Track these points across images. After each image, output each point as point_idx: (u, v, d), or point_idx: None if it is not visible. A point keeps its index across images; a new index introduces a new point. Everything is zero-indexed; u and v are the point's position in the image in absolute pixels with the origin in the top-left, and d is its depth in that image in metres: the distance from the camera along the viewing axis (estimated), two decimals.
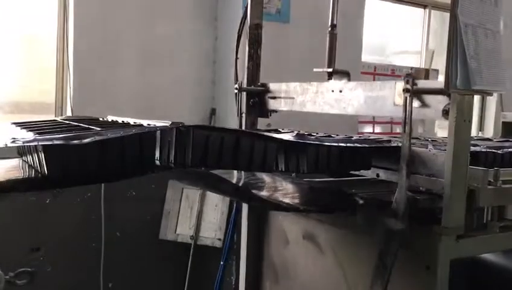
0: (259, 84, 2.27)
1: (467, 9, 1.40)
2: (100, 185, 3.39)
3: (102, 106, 3.29)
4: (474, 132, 5.56)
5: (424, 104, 1.48)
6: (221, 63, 3.94)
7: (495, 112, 5.32)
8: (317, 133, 1.92)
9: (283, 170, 1.46)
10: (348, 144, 1.52)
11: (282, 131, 2.10)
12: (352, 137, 1.80)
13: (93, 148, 1.12)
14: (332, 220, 1.83)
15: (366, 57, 4.93)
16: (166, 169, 1.29)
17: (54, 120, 1.57)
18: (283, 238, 2.20)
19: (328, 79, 1.98)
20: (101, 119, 1.72)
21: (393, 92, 1.59)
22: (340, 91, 1.85)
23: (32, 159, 1.28)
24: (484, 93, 1.49)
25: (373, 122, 4.91)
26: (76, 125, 1.37)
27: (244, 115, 2.24)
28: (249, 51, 2.29)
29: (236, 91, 2.25)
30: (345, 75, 1.90)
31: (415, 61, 5.55)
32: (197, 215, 3.64)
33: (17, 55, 3.54)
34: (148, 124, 1.32)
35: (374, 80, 4.81)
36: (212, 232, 3.63)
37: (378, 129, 5.05)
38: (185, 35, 3.82)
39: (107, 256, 3.44)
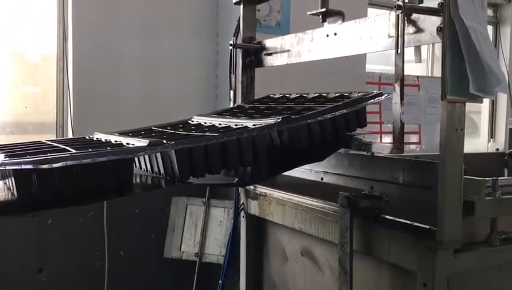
0: (255, 42, 2.23)
1: (465, 11, 1.35)
2: (102, 204, 3.36)
3: (103, 123, 3.28)
4: (484, 142, 5.46)
5: (418, 29, 1.43)
6: (223, 77, 3.92)
7: (506, 119, 5.22)
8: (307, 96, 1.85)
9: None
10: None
11: (276, 96, 2.04)
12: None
13: (65, 172, 1.09)
14: (327, 236, 1.77)
15: (373, 66, 4.87)
16: (146, 190, 1.26)
17: (38, 142, 1.54)
18: (282, 255, 2.15)
19: (322, 22, 1.92)
20: (87, 137, 1.69)
21: (388, 24, 1.54)
22: (335, 34, 1.81)
23: (8, 182, 1.25)
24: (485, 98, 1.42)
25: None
26: (55, 147, 1.34)
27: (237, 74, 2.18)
28: (242, 63, 2.27)
29: (230, 48, 2.21)
30: (339, 16, 1.84)
31: (421, 70, 5.47)
32: (202, 232, 3.60)
33: (19, 75, 3.56)
34: (127, 143, 1.29)
35: (379, 90, 4.74)
36: (217, 249, 3.57)
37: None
38: (187, 51, 3.81)
39: (111, 276, 3.40)
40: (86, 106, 3.44)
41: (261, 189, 2.16)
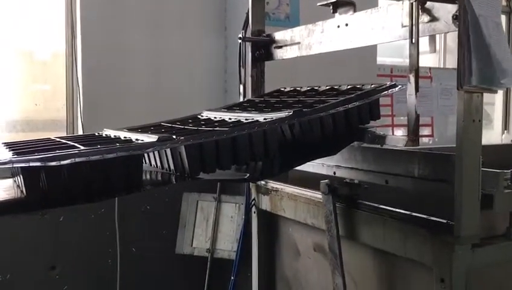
0: (264, 34, 2.19)
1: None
2: (113, 201, 3.35)
3: (113, 120, 3.26)
4: (498, 133, 5.37)
5: (433, 18, 1.39)
6: (232, 71, 3.89)
7: None
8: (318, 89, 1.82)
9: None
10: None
11: (285, 91, 2.01)
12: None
13: (73, 169, 1.07)
14: (341, 232, 1.74)
15: (384, 59, 4.80)
16: (156, 186, 1.23)
17: (47, 139, 1.52)
18: (294, 250, 2.12)
19: (333, 12, 1.88)
20: (96, 134, 1.67)
21: (401, 14, 1.50)
22: (346, 25, 1.77)
23: (18, 180, 1.23)
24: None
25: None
26: (64, 144, 1.32)
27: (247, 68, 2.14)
28: (252, 55, 2.24)
29: (239, 41, 2.18)
30: (351, 6, 1.80)
31: (433, 61, 5.40)
32: (213, 227, 3.58)
33: (29, 72, 3.56)
34: (137, 139, 1.27)
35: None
36: (229, 245, 3.55)
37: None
38: (196, 46, 3.79)
39: (123, 272, 3.40)
40: (95, 102, 3.43)
41: (273, 184, 2.13)
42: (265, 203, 2.18)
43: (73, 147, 1.19)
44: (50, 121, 3.63)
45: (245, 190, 2.52)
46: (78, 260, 3.31)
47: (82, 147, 1.17)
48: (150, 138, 1.23)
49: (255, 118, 1.45)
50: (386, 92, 1.51)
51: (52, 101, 3.61)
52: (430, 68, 4.69)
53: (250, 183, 2.28)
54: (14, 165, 1.02)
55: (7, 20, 3.36)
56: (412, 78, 1.34)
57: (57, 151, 1.09)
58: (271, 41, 2.19)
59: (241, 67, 2.15)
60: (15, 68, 3.48)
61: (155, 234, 3.56)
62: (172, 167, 1.33)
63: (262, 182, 2.20)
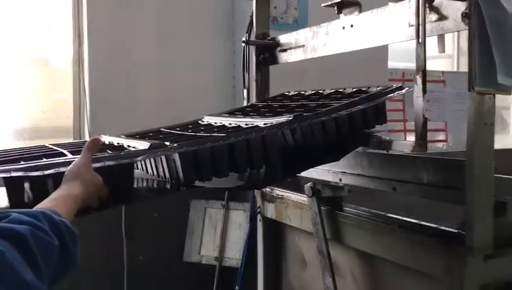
0: (269, 38, 2.13)
1: None
2: (121, 208, 3.31)
3: (120, 126, 3.22)
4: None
5: (441, 17, 1.32)
6: (240, 77, 3.83)
7: None
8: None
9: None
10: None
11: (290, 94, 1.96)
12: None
13: (59, 179, 1.02)
14: (348, 241, 1.67)
15: (396, 63, 4.71)
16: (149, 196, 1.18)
17: (41, 146, 1.48)
18: (301, 260, 2.05)
19: (338, 13, 1.81)
20: None
21: (408, 13, 1.43)
22: (352, 26, 1.70)
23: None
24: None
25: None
26: (54, 151, 1.27)
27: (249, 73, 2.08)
28: (256, 59, 2.19)
29: (243, 44, 2.13)
30: (356, 6, 1.73)
31: (446, 65, 5.29)
32: (221, 235, 3.52)
33: (39, 79, 3.54)
34: (129, 146, 1.21)
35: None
36: (237, 253, 3.48)
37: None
38: (203, 52, 3.74)
39: (130, 280, 3.35)
40: (102, 109, 3.40)
41: (278, 191, 2.07)
42: (270, 211, 2.12)
43: (62, 154, 1.14)
44: (59, 129, 3.60)
45: (250, 197, 2.46)
46: (85, 267, 3.26)
47: (70, 155, 1.12)
48: (142, 145, 1.18)
49: (255, 123, 1.39)
50: (392, 94, 1.44)
51: (62, 109, 3.58)
52: (442, 72, 4.58)
53: (255, 190, 2.22)
54: None
55: (23, 28, 3.35)
56: (419, 80, 1.27)
57: (43, 160, 1.04)
58: (275, 44, 2.13)
59: (245, 71, 2.10)
60: (25, 75, 3.46)
61: (163, 241, 3.51)
62: (167, 175, 1.27)
63: (268, 189, 2.13)
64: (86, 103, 3.41)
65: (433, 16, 1.37)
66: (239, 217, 3.50)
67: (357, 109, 1.36)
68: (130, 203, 1.17)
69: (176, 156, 1.19)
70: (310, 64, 3.86)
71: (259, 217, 2.20)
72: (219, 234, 3.52)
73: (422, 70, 1.27)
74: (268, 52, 2.15)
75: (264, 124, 1.34)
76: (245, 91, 2.08)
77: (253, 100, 2.14)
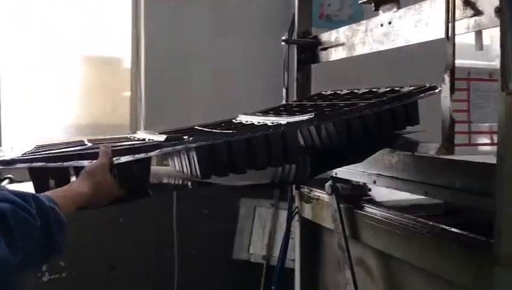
0: (310, 36, 2.11)
1: None
2: (172, 204, 3.41)
3: (173, 124, 3.31)
4: None
5: (477, 12, 1.26)
6: (293, 74, 3.81)
7: None
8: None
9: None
10: None
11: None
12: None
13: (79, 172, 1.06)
14: (379, 245, 1.62)
15: (466, 61, 4.48)
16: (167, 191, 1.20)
17: (79, 141, 1.56)
18: (336, 262, 2.01)
19: (375, 10, 1.78)
20: (128, 136, 1.68)
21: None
22: (389, 23, 1.66)
23: None
24: None
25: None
26: (83, 145, 1.33)
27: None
28: (297, 59, 2.17)
29: (283, 43, 2.13)
30: (394, 2, 1.67)
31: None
32: (269, 234, 3.52)
33: (100, 78, 3.70)
34: (144, 139, 1.25)
35: (468, 86, 4.35)
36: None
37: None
38: (258, 51, 3.73)
39: (180, 275, 3.44)
40: (157, 107, 3.50)
41: (315, 192, 2.04)
42: (307, 211, 2.09)
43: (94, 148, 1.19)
44: (116, 126, 3.74)
45: (288, 197, 2.44)
46: (136, 262, 3.39)
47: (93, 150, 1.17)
48: (160, 138, 1.21)
49: (279, 122, 1.38)
50: (424, 94, 1.38)
51: (122, 106, 3.72)
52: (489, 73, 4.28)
53: (294, 190, 2.20)
54: (17, 166, 1.04)
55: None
56: (447, 79, 1.21)
57: (63, 151, 1.09)
58: (317, 43, 2.10)
59: (285, 70, 2.09)
60: (87, 74, 3.63)
61: (213, 238, 3.56)
62: (187, 170, 1.29)
63: (306, 190, 2.11)
64: (141, 101, 3.53)
65: (468, 12, 1.30)
66: None
67: (382, 109, 1.31)
68: (146, 197, 1.21)
69: (193, 151, 1.20)
70: (363, 59, 3.77)
71: (297, 217, 2.18)
72: (267, 233, 3.53)
73: (450, 69, 1.21)
74: (309, 50, 2.13)
75: (287, 122, 1.33)
76: (284, 90, 2.07)
77: (294, 99, 2.13)
